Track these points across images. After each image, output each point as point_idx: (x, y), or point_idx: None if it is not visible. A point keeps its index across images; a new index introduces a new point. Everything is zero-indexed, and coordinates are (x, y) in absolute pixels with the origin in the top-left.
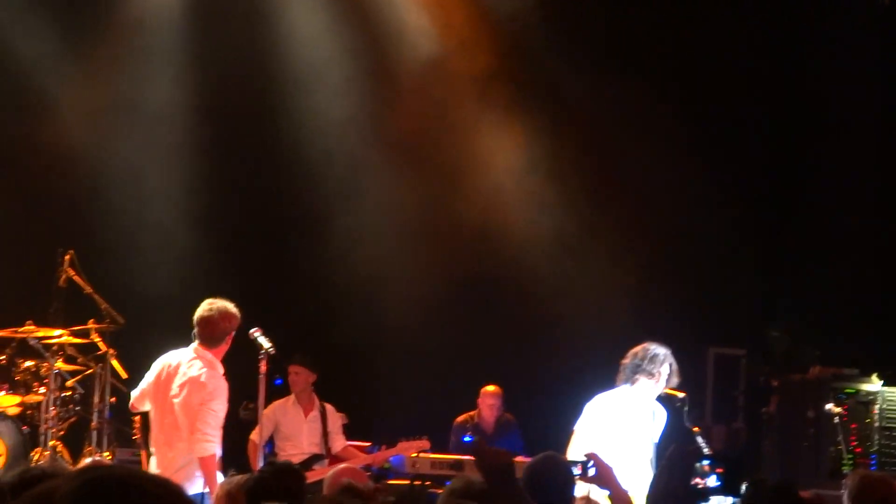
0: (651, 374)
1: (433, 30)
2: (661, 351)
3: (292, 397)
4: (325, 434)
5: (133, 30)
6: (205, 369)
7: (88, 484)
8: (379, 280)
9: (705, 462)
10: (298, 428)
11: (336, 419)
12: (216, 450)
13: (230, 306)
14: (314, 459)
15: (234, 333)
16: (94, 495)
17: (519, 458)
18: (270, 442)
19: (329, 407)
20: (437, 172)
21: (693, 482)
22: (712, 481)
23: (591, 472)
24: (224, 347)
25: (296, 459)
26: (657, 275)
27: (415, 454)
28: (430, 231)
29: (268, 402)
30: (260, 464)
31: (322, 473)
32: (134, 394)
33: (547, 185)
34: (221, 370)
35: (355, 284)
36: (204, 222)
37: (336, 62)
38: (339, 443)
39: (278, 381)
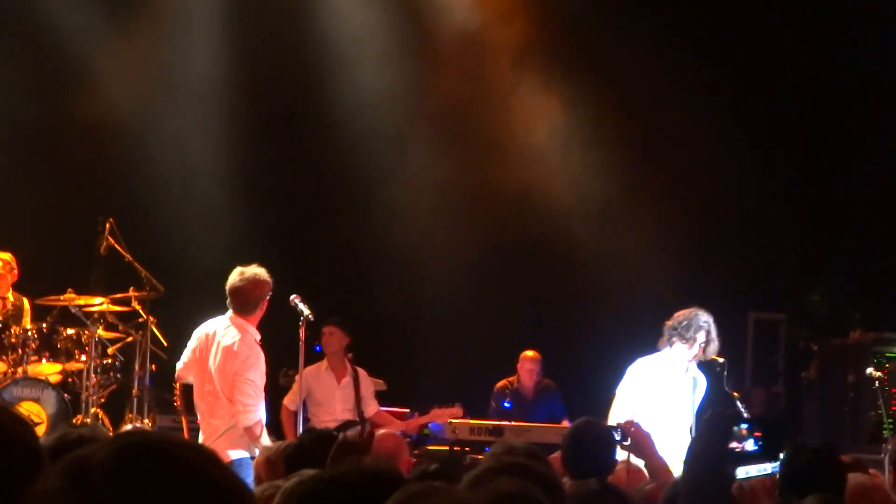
0: (685, 339)
1: (470, 0)
2: (702, 318)
3: (325, 363)
4: (358, 399)
5: (175, 2)
6: (238, 336)
7: (124, 449)
8: (420, 248)
9: (743, 426)
10: (331, 394)
11: (369, 384)
12: (258, 417)
13: (261, 273)
14: (348, 425)
15: (268, 299)
16: (129, 461)
17: (564, 423)
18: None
19: (362, 372)
20: (477, 142)
21: (731, 446)
22: (750, 445)
23: (626, 442)
24: (258, 314)
25: (329, 425)
26: (698, 240)
27: (453, 421)
28: (471, 200)
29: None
30: (298, 430)
31: None
32: (179, 365)
33: (587, 152)
34: (257, 336)
35: (396, 253)
36: (245, 192)
37: (375, 35)
38: (372, 408)
39: (318, 348)
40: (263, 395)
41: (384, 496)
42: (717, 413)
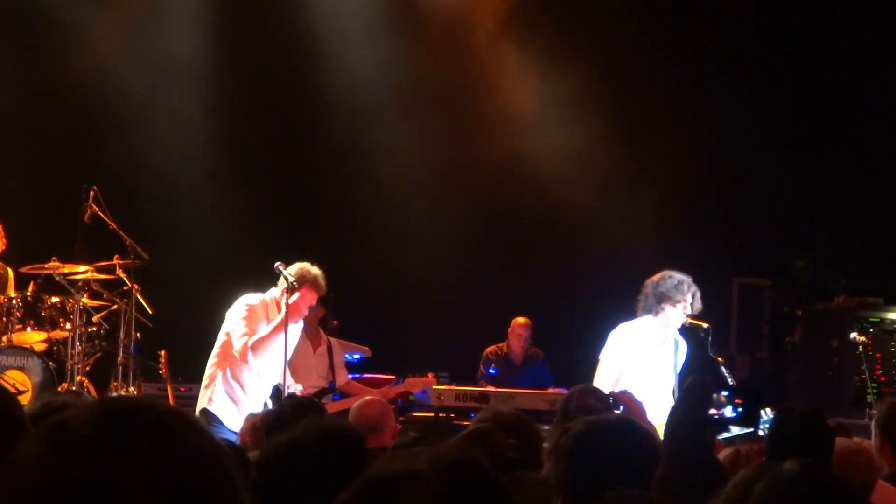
0: (676, 302)
1: None
2: (682, 277)
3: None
4: (332, 368)
5: None
6: None
7: (104, 414)
8: (408, 217)
9: (723, 393)
10: (307, 362)
11: (341, 354)
12: None
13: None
14: (323, 393)
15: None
16: (109, 425)
17: (550, 390)
18: None
19: (334, 342)
20: (461, 113)
21: (710, 412)
22: (729, 412)
23: (619, 410)
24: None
25: (305, 393)
26: (681, 206)
27: (438, 387)
28: (457, 169)
29: None
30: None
31: (344, 406)
32: None
33: (575, 121)
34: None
35: (384, 221)
36: (230, 161)
37: (362, 9)
38: (342, 377)
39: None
40: None
41: (344, 455)
42: (696, 380)
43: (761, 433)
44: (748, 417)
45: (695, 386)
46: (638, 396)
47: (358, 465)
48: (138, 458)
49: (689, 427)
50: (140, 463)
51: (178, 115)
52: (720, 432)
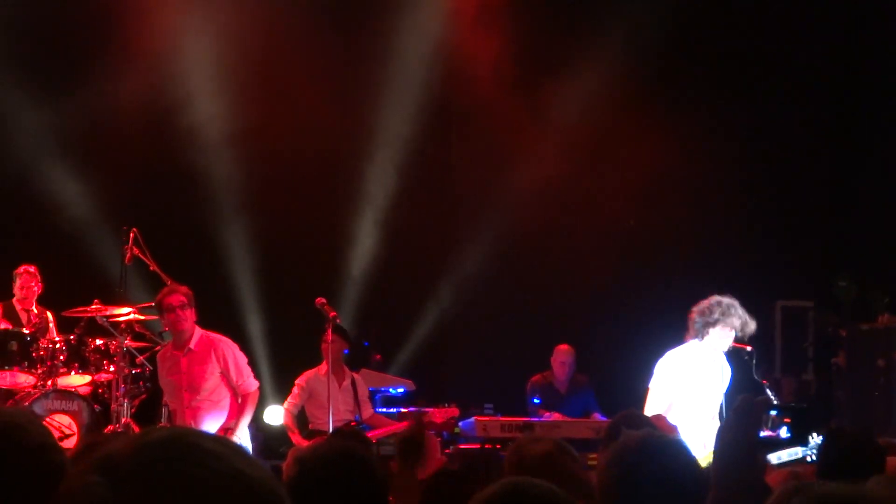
0: (725, 324)
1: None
2: (731, 302)
3: (324, 367)
4: (357, 402)
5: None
6: None
7: (150, 442)
8: (448, 248)
9: (772, 413)
10: (334, 396)
11: (365, 388)
12: None
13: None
14: (356, 427)
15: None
16: (156, 452)
17: (595, 417)
18: None
19: (357, 377)
20: (501, 137)
21: (761, 433)
22: (783, 432)
23: None
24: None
25: (334, 426)
26: (723, 229)
27: (482, 418)
28: (496, 198)
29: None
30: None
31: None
32: None
33: (615, 142)
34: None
35: (426, 256)
36: (266, 194)
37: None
38: (368, 411)
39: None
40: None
41: (354, 473)
42: (746, 400)
43: (809, 459)
44: (798, 437)
45: (745, 407)
46: (689, 423)
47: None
48: (187, 484)
49: (740, 449)
50: (189, 488)
51: (214, 157)
52: (770, 452)
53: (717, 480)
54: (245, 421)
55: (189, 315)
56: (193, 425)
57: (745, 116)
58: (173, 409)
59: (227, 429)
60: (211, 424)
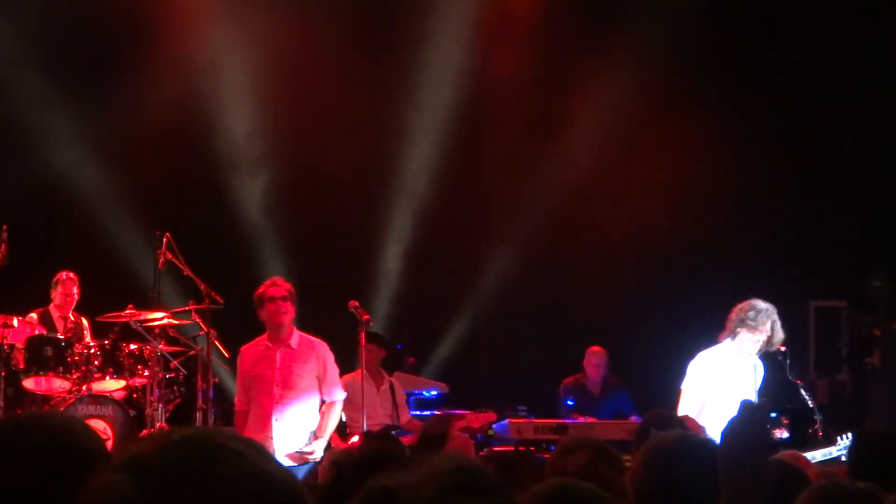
0: (754, 329)
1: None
2: (765, 306)
3: (362, 372)
4: (395, 406)
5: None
6: None
7: (176, 441)
8: (481, 251)
9: (772, 415)
10: (372, 401)
11: (402, 393)
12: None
13: None
14: (389, 430)
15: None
16: (181, 451)
17: (631, 419)
18: None
19: (395, 381)
20: (535, 141)
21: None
22: (783, 434)
23: None
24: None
25: (372, 430)
26: (756, 229)
27: (516, 420)
28: (527, 201)
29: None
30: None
31: (408, 442)
32: None
33: (645, 139)
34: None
35: (460, 260)
36: (301, 205)
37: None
38: (405, 415)
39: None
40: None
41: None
42: (749, 403)
43: (835, 453)
44: (797, 439)
45: (749, 409)
46: (722, 423)
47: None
48: (212, 482)
49: (746, 451)
50: (214, 486)
51: (247, 160)
52: (770, 455)
53: (724, 483)
54: (331, 429)
55: (289, 309)
56: (279, 422)
57: (777, 117)
58: (253, 405)
59: (317, 436)
60: (298, 425)
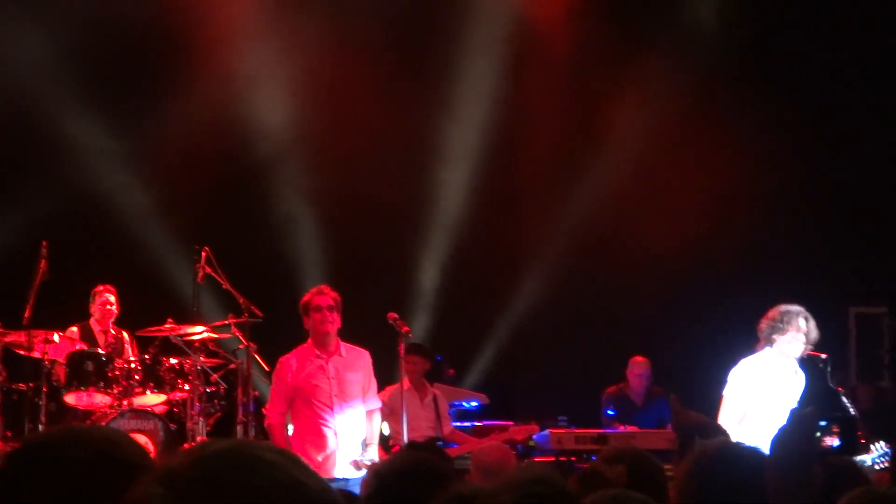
0: (791, 334)
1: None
2: (794, 308)
3: (406, 383)
4: (438, 418)
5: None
6: None
7: (207, 455)
8: (518, 263)
9: (820, 423)
10: (416, 412)
11: (446, 404)
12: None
13: None
14: (432, 441)
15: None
16: (213, 464)
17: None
18: None
19: (439, 393)
20: (568, 146)
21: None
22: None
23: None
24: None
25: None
26: (795, 237)
27: (556, 431)
28: (566, 208)
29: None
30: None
31: (452, 454)
32: None
33: (683, 148)
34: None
35: (498, 273)
36: (339, 218)
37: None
38: (448, 426)
39: (438, 357)
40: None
41: (430, 486)
42: (797, 412)
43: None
44: (847, 447)
45: (797, 418)
46: (764, 431)
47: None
48: (248, 492)
49: (795, 460)
50: (250, 496)
51: (285, 173)
52: (820, 464)
53: (772, 493)
54: (378, 435)
55: (335, 318)
56: (341, 432)
57: (816, 122)
58: (300, 418)
59: (369, 443)
60: (355, 433)
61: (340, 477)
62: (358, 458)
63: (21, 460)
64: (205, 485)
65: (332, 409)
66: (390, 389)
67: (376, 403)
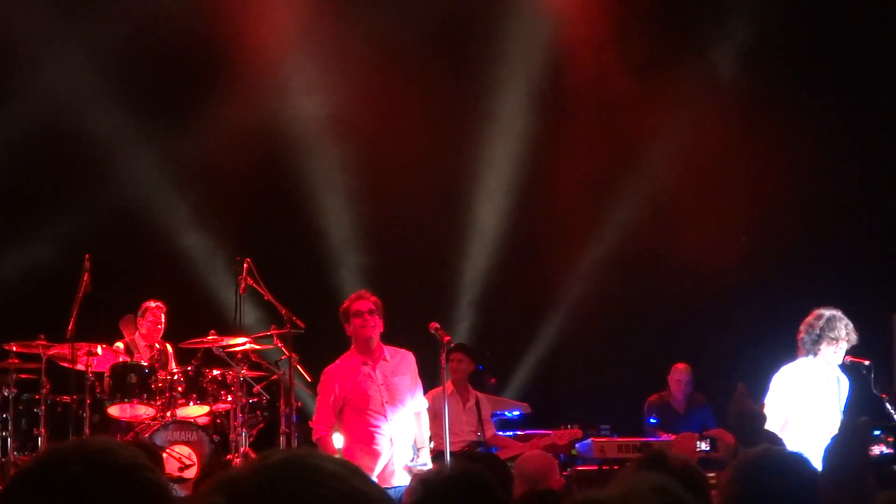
0: (833, 339)
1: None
2: (833, 313)
3: (449, 386)
4: (481, 422)
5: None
6: None
7: (268, 464)
8: (560, 271)
9: (876, 432)
10: (458, 416)
11: (488, 409)
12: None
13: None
14: (475, 446)
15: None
16: (275, 474)
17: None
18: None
19: (482, 396)
20: (609, 154)
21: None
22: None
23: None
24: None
25: (456, 447)
26: (836, 242)
27: (599, 439)
28: (609, 218)
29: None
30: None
31: (505, 455)
32: None
33: (724, 155)
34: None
35: (539, 282)
36: (377, 228)
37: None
38: (490, 431)
39: (480, 367)
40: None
41: (475, 496)
42: (850, 421)
43: None
44: None
45: (850, 427)
46: (807, 438)
47: None
48: (309, 501)
49: (850, 470)
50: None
51: (323, 184)
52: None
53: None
54: (427, 437)
55: (377, 322)
56: (394, 442)
57: (857, 131)
58: (350, 427)
59: (420, 447)
60: (407, 438)
61: (399, 485)
62: (410, 464)
63: (18, 489)
64: (266, 494)
65: (385, 416)
66: (434, 392)
67: (423, 404)
